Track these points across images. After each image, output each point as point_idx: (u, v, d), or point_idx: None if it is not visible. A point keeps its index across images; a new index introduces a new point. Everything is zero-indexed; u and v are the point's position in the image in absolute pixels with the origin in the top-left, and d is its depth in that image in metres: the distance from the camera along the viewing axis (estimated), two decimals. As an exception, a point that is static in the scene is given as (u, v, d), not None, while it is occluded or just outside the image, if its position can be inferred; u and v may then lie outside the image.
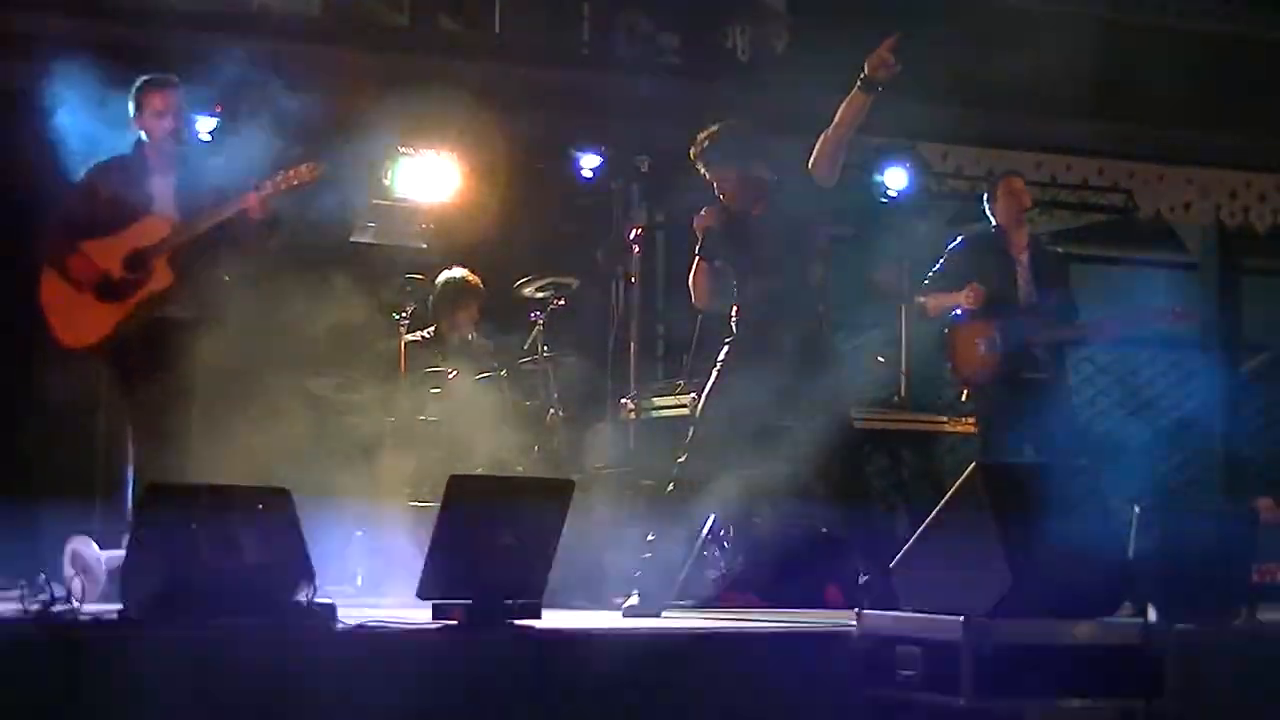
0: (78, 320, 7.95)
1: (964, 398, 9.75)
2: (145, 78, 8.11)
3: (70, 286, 7.91)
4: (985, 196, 9.70)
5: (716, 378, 7.89)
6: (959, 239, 9.89)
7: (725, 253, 7.96)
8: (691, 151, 7.94)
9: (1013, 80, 12.05)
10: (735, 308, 7.92)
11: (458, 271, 9.90)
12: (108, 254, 7.91)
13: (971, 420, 10.16)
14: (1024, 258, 9.43)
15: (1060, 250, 10.17)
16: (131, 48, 9.75)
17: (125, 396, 8.11)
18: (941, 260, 9.61)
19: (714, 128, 7.96)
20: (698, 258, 7.98)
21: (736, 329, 7.91)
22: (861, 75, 7.64)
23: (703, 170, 7.95)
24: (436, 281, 9.86)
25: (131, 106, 8.05)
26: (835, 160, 7.95)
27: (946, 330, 9.54)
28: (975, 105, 11.97)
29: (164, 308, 7.92)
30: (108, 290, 7.90)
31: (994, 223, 9.56)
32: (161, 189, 8.07)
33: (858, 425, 8.57)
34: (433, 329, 9.87)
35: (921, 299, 9.70)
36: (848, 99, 7.71)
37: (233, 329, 8.94)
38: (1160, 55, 12.92)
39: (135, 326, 7.91)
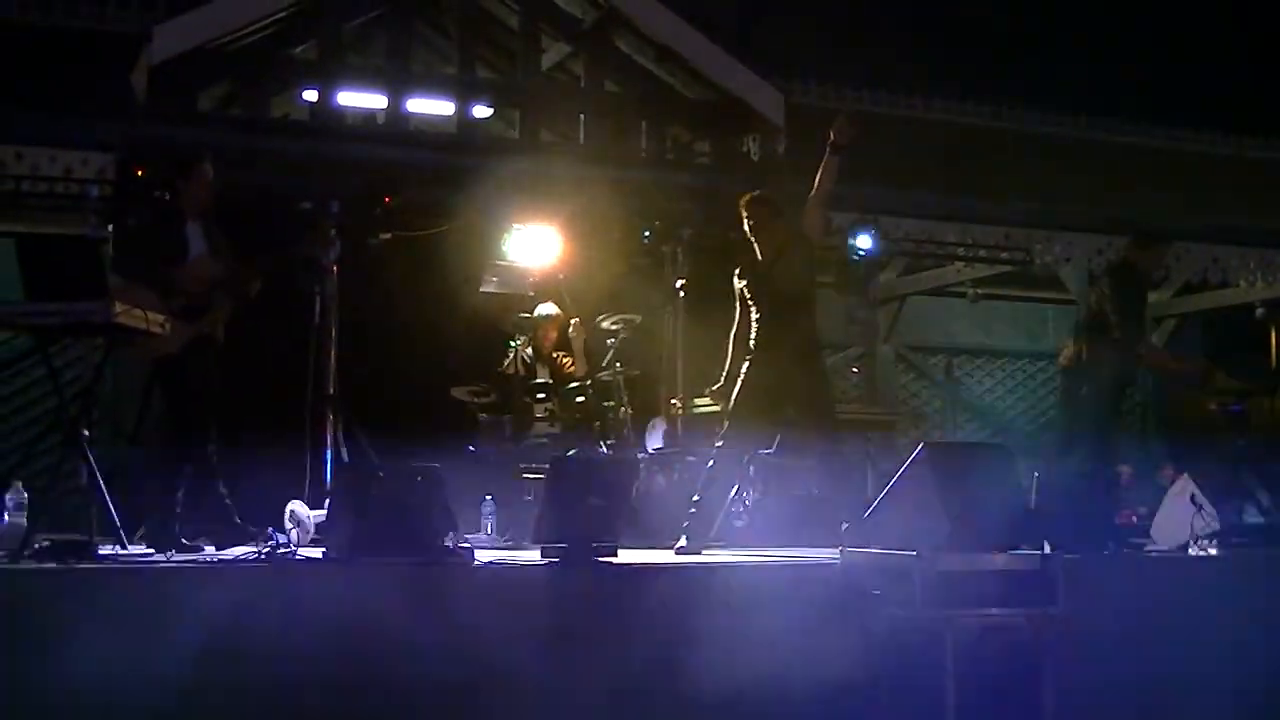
0: None
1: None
2: None
3: None
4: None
5: (743, 383, 7.78)
6: None
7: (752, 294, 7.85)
8: (741, 204, 7.82)
9: (946, 177, 12.14)
10: (755, 331, 7.80)
11: (549, 306, 9.93)
12: None
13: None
14: None
15: None
16: (324, 160, 9.82)
17: None
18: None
19: (756, 193, 7.91)
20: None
21: (755, 347, 7.79)
22: (830, 141, 7.52)
23: (744, 221, 7.83)
24: (534, 313, 9.90)
25: None
26: (823, 216, 7.88)
27: None
28: (919, 190, 11.96)
29: None
30: None
31: None
32: None
33: (839, 416, 8.54)
34: (532, 347, 9.86)
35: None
36: (823, 164, 7.56)
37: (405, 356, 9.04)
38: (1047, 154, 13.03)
39: None
